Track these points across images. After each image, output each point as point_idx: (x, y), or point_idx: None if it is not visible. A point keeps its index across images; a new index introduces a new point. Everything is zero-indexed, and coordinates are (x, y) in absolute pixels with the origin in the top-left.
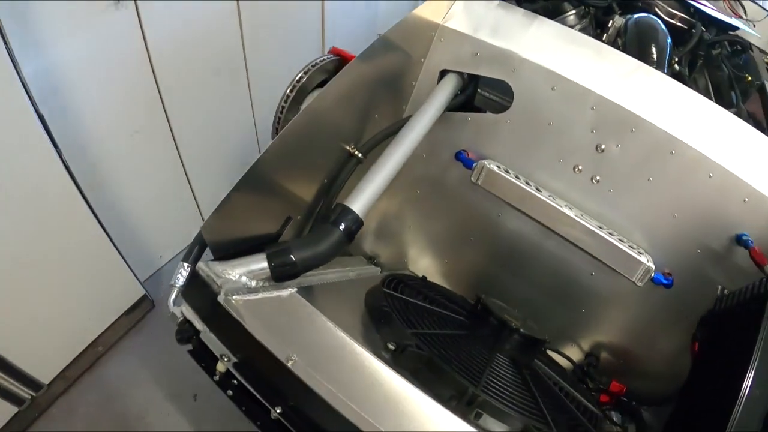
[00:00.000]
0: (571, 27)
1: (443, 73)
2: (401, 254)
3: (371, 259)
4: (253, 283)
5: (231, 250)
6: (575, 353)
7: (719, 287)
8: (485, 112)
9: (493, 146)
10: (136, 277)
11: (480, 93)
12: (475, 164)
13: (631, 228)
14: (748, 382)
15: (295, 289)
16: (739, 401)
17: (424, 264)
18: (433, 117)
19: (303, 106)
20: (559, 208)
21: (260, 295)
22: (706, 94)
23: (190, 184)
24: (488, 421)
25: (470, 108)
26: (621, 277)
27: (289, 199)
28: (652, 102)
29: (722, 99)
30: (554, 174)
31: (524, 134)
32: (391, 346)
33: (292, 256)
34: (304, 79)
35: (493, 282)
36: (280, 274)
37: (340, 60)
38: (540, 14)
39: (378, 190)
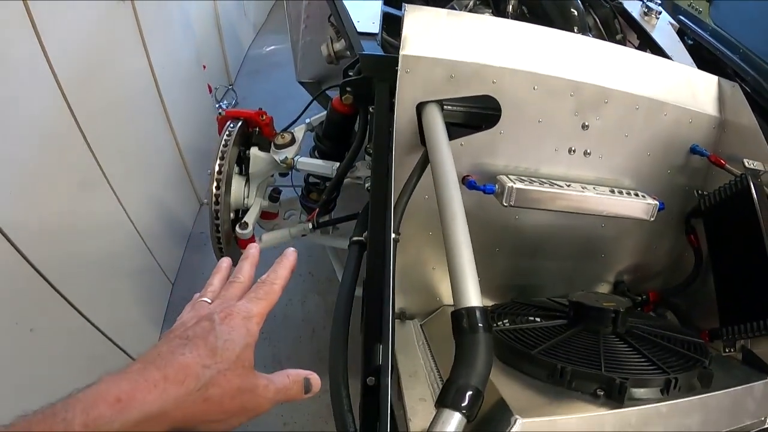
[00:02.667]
0: (467, 5)
1: (419, 108)
2: (432, 296)
3: (402, 317)
4: None
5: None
6: (606, 288)
7: (695, 191)
8: (469, 130)
9: (495, 161)
10: None
11: (467, 113)
12: (496, 188)
13: (622, 178)
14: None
15: (520, 419)
16: None
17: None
18: (451, 159)
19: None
20: (584, 194)
21: None
22: (598, 31)
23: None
24: (639, 391)
25: (460, 131)
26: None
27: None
28: (609, 70)
29: (610, 31)
30: (555, 163)
31: (520, 139)
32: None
33: (470, 388)
34: (225, 167)
35: (526, 275)
36: (473, 412)
37: (243, 121)
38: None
39: (473, 268)
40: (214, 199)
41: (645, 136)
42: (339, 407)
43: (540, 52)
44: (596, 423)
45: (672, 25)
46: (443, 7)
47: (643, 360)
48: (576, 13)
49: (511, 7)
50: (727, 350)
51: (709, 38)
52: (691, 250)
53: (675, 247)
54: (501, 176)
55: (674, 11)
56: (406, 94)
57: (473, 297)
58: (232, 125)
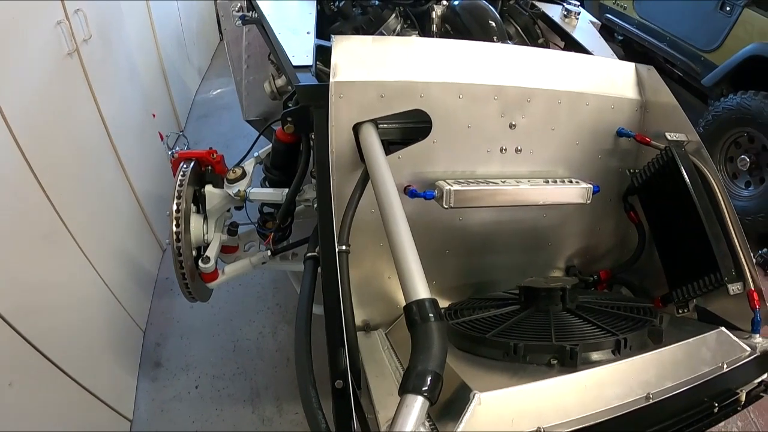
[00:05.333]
0: (395, 29)
1: (356, 128)
2: (393, 304)
3: (366, 328)
4: (427, 424)
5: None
6: (558, 274)
7: (627, 170)
8: (404, 144)
9: (433, 168)
10: None
11: (399, 128)
12: (435, 193)
13: (555, 169)
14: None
15: (479, 393)
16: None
17: None
18: (389, 173)
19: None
20: (519, 187)
21: (465, 420)
22: (520, 38)
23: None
24: (592, 355)
25: (395, 146)
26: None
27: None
28: (529, 71)
29: (531, 36)
30: (489, 163)
31: (453, 145)
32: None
33: (429, 372)
34: (183, 205)
35: (481, 272)
36: (434, 394)
37: (196, 161)
38: (364, 28)
39: (418, 264)
40: (174, 237)
41: (571, 127)
42: (309, 406)
43: (462, 63)
44: (551, 388)
45: (593, 23)
46: (372, 33)
47: (593, 327)
48: (494, 24)
49: (434, 26)
50: (680, 311)
51: (636, 31)
52: (634, 227)
53: (619, 226)
54: (439, 182)
55: (601, 10)
56: (342, 117)
57: (421, 290)
58: (185, 166)
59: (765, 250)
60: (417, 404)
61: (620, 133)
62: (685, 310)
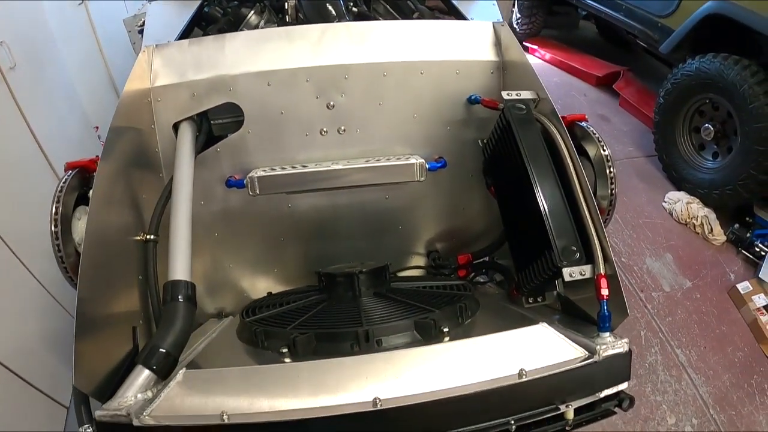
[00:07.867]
0: (257, 25)
1: (176, 127)
2: (240, 293)
3: (220, 315)
4: (150, 393)
5: (111, 387)
6: (419, 260)
7: (479, 141)
8: (228, 135)
9: (251, 158)
10: None
11: (215, 123)
12: (245, 181)
13: (390, 146)
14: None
15: (184, 369)
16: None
17: (262, 285)
18: (189, 167)
19: (74, 232)
20: (329, 168)
21: (163, 395)
22: (391, 15)
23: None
24: (389, 340)
25: (215, 140)
26: (407, 183)
27: (124, 314)
28: (348, 48)
29: (403, 12)
30: (310, 147)
31: (267, 133)
32: (284, 350)
33: (161, 349)
34: (60, 209)
35: (324, 256)
36: (163, 370)
37: (80, 169)
38: (227, 29)
39: (186, 249)
40: (53, 236)
41: (404, 100)
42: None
43: (273, 50)
44: (260, 376)
45: None
46: (236, 30)
47: (400, 306)
48: (330, 7)
49: (288, 17)
50: (530, 301)
51: (594, 4)
52: None
53: (490, 205)
54: (253, 170)
55: None
56: (162, 119)
57: (179, 272)
58: (69, 173)
59: (737, 225)
60: (143, 375)
61: (471, 100)
62: (538, 300)
